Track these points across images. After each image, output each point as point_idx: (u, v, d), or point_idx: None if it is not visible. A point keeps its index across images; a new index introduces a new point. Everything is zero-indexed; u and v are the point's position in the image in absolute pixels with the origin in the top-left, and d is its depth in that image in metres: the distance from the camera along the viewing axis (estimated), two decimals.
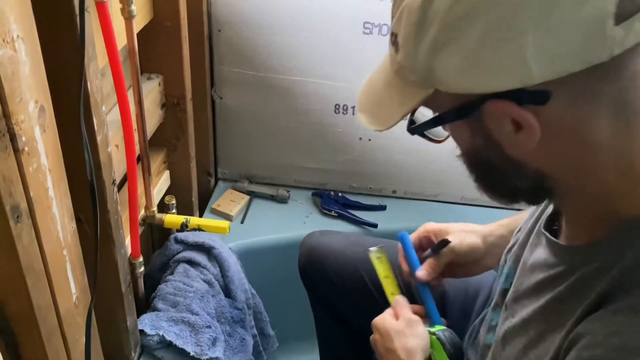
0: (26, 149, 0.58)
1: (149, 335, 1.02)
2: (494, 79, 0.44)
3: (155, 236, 1.31)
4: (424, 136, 0.56)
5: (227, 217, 1.37)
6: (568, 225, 0.58)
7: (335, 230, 1.15)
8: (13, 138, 0.56)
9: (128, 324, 0.94)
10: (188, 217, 1.10)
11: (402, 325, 0.76)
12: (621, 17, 0.41)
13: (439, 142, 0.58)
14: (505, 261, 0.71)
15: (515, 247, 0.69)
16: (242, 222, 1.38)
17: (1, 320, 0.64)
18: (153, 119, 1.13)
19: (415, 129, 0.53)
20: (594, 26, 0.41)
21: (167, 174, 1.22)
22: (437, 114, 0.51)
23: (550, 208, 0.62)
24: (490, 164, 0.52)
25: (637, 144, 0.47)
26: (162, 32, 1.08)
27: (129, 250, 1.02)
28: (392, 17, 0.49)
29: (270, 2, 1.24)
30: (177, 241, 1.21)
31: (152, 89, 1.11)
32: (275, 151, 1.43)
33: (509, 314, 0.63)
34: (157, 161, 1.19)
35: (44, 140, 0.62)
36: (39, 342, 0.66)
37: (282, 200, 1.44)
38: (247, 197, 1.42)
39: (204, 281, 1.18)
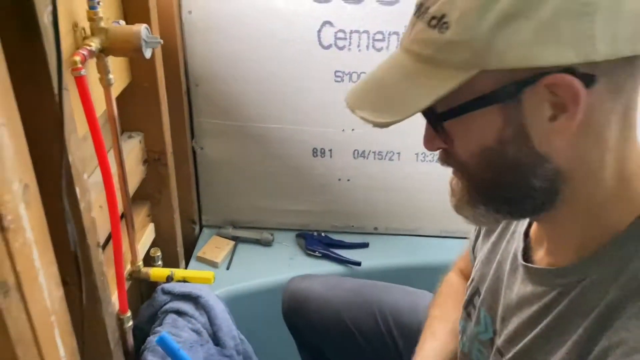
0: (12, 226, 0.61)
1: None
2: (561, 51, 0.44)
3: (143, 288, 1.34)
4: (439, 129, 0.53)
5: (212, 264, 1.40)
6: (552, 248, 0.58)
7: (318, 272, 1.19)
8: (0, 218, 0.59)
9: None
10: (173, 270, 1.13)
11: None
12: None
13: (444, 148, 0.56)
14: (469, 316, 0.73)
15: (482, 297, 0.69)
16: (227, 269, 1.40)
17: None
18: (136, 175, 1.16)
19: (441, 116, 0.51)
20: None
21: (151, 226, 1.25)
22: (470, 98, 0.48)
23: (512, 246, 0.64)
24: (510, 160, 0.51)
25: (629, 150, 0.50)
26: (140, 92, 1.12)
27: (117, 307, 1.05)
28: None
29: (242, 55, 1.30)
30: (164, 292, 1.23)
31: (133, 146, 1.15)
32: (257, 196, 1.47)
33: (505, 355, 0.62)
34: (141, 215, 1.22)
35: (29, 215, 0.65)
36: None
37: (267, 244, 1.47)
38: (232, 243, 1.45)
39: (193, 330, 1.20)
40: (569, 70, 0.45)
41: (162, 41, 0.91)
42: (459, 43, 0.47)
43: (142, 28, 0.88)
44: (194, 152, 1.42)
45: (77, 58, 0.80)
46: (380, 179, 1.43)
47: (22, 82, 0.67)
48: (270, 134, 1.39)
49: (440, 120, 0.51)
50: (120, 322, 1.07)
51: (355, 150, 1.40)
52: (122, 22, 0.97)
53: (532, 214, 0.57)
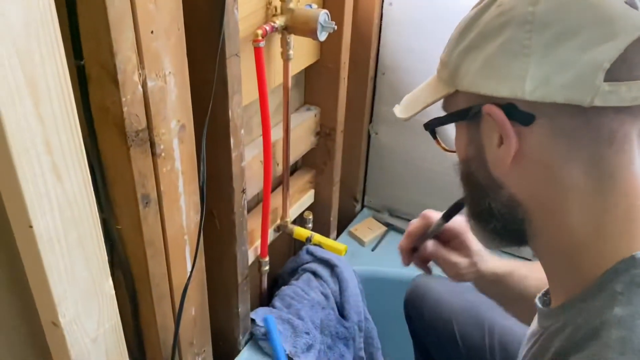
0: (163, 154, 0.78)
1: (258, 325, 1.18)
2: (498, 85, 0.50)
3: (296, 245, 1.49)
4: (436, 139, 0.64)
5: (360, 242, 1.48)
6: (550, 288, 0.59)
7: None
8: (152, 145, 0.76)
9: (240, 310, 1.12)
10: (313, 233, 1.24)
11: None
12: (611, 77, 0.47)
13: (447, 150, 0.65)
14: None
15: None
16: (372, 250, 1.47)
17: (128, 278, 0.85)
18: (305, 143, 1.30)
19: (429, 124, 0.61)
20: (587, 72, 0.47)
21: (311, 192, 1.39)
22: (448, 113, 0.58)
23: None
24: (475, 177, 0.57)
25: (608, 204, 0.50)
26: (324, 71, 1.24)
27: (259, 250, 1.21)
28: None
29: (433, 51, 1.31)
30: (308, 252, 1.36)
31: (308, 117, 1.28)
32: (418, 190, 1.50)
33: None
34: (304, 179, 1.36)
35: (180, 150, 0.81)
36: (151, 302, 0.86)
37: None
38: (384, 228, 1.51)
39: (322, 293, 1.31)
40: (509, 105, 0.50)
41: (336, 27, 1.00)
42: (444, 63, 0.57)
43: (321, 13, 0.98)
44: (369, 136, 1.50)
45: (259, 31, 0.94)
46: None
47: (200, 41, 0.82)
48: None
49: (428, 126, 0.62)
50: (260, 264, 1.23)
51: None
52: (315, 6, 1.08)
53: (508, 240, 0.59)
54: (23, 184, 0.58)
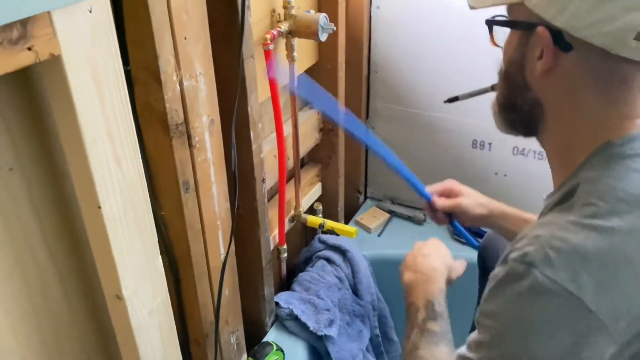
0: (198, 145, 0.89)
1: (282, 307, 1.28)
2: (556, 15, 0.62)
3: (308, 237, 1.59)
4: (491, 33, 0.73)
5: (367, 229, 1.59)
6: (553, 177, 0.73)
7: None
8: (189, 137, 0.87)
9: (265, 293, 1.22)
10: (325, 220, 1.35)
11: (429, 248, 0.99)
12: None
13: (496, 46, 0.74)
14: None
15: None
16: (378, 236, 1.58)
17: (171, 259, 0.95)
18: (310, 140, 1.41)
19: (491, 21, 0.72)
20: (623, 29, 0.59)
21: (319, 185, 1.50)
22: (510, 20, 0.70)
23: None
24: (512, 76, 0.71)
25: (605, 120, 0.65)
26: (324, 72, 1.36)
27: (277, 239, 1.31)
28: None
29: (421, 48, 1.45)
30: (320, 241, 1.47)
31: (311, 116, 1.40)
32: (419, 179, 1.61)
33: None
34: (311, 173, 1.47)
35: (211, 141, 0.92)
36: (192, 281, 0.96)
37: (418, 222, 1.61)
38: (387, 215, 1.63)
39: (336, 277, 1.41)
40: (557, 32, 0.63)
41: (335, 28, 1.12)
42: None
43: (320, 16, 1.10)
44: None
45: (268, 36, 1.05)
46: (539, 179, 1.46)
47: (221, 45, 0.94)
48: (436, 123, 1.52)
49: (489, 23, 0.72)
50: (278, 251, 1.33)
51: (515, 147, 1.46)
52: (312, 11, 1.21)
53: (521, 131, 0.75)
54: (93, 170, 0.69)
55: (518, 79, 0.70)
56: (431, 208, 1.10)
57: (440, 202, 1.09)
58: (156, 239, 0.82)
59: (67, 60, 0.62)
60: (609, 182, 0.62)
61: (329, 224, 1.34)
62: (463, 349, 0.67)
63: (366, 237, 1.58)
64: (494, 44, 0.75)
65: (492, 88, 0.80)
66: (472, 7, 0.71)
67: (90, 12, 0.64)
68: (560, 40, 0.63)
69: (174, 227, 0.91)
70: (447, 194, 1.10)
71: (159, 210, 0.90)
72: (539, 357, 0.58)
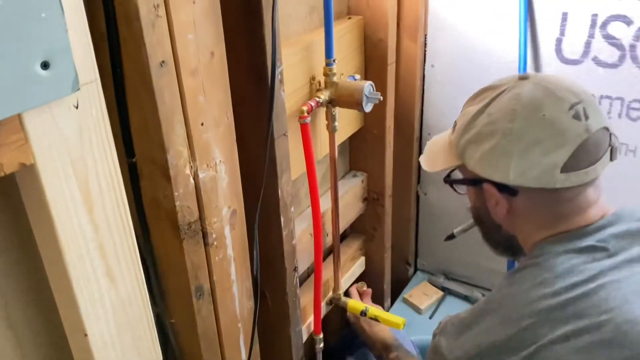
0: (215, 243, 0.76)
1: None
2: (492, 173, 0.76)
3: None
4: (453, 187, 0.87)
5: (416, 309, 1.42)
6: None
7: None
8: (205, 235, 0.74)
9: None
10: (368, 306, 1.19)
11: None
12: (566, 170, 0.73)
13: (460, 194, 0.88)
14: None
15: None
16: (430, 317, 1.40)
17: None
18: (353, 210, 1.27)
19: (448, 180, 0.87)
20: (549, 169, 0.73)
21: (362, 260, 1.34)
22: (462, 177, 0.84)
23: None
24: (483, 220, 0.85)
25: (557, 226, 0.77)
26: (369, 137, 1.22)
27: (312, 327, 1.16)
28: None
29: None
30: None
31: (356, 184, 1.25)
32: (473, 251, 1.43)
33: None
34: (353, 247, 1.32)
35: (232, 236, 0.79)
36: None
37: (475, 302, 1.41)
38: (440, 293, 1.45)
39: None
40: (500, 184, 0.76)
41: (381, 97, 0.99)
42: (455, 143, 0.82)
43: (365, 85, 0.97)
44: (418, 197, 1.46)
45: (305, 108, 0.93)
46: None
47: (249, 124, 0.81)
48: None
49: (446, 182, 0.88)
50: (313, 342, 1.18)
51: None
52: (358, 77, 1.07)
53: (509, 255, 0.92)
54: (77, 292, 0.57)
55: (488, 221, 0.83)
56: None
57: None
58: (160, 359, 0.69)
59: (44, 169, 0.50)
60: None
61: (373, 311, 1.18)
62: None
63: (415, 318, 1.40)
64: (459, 193, 0.87)
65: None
66: (429, 170, 0.88)
67: (77, 108, 0.52)
68: (505, 188, 0.77)
69: (185, 337, 0.78)
70: None
71: (168, 317, 0.77)
72: None
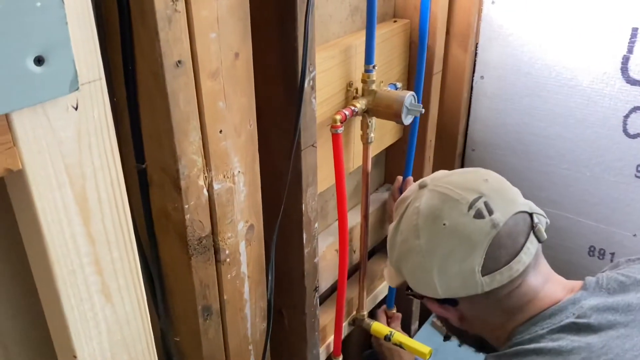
0: (228, 260, 0.70)
1: None
2: (423, 289, 0.77)
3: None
4: (415, 297, 0.85)
5: (445, 336, 1.32)
6: None
7: None
8: (217, 251, 0.68)
9: None
10: (394, 331, 1.11)
11: None
12: (487, 271, 0.71)
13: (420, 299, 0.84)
14: None
15: None
16: (459, 345, 1.31)
17: None
18: (385, 227, 1.19)
19: (408, 293, 0.83)
20: (469, 275, 0.71)
21: None
22: (411, 290, 0.82)
23: None
24: (449, 327, 0.85)
25: (513, 322, 0.74)
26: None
27: (332, 347, 1.09)
28: None
29: (529, 128, 1.19)
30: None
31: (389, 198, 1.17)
32: None
33: None
34: (382, 265, 1.24)
35: (247, 252, 0.73)
36: None
37: None
38: None
39: None
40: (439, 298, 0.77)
41: (423, 110, 0.90)
42: (390, 263, 0.83)
43: (407, 95, 0.89)
44: None
45: (338, 117, 0.85)
46: None
47: (274, 133, 0.75)
48: None
49: (407, 295, 0.85)
50: None
51: None
52: (400, 86, 1.00)
53: (484, 351, 0.84)
54: (67, 309, 0.51)
55: (452, 328, 0.83)
56: None
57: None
58: None
59: (33, 176, 0.45)
60: None
61: (398, 337, 1.10)
62: None
63: (444, 345, 1.31)
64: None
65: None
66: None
67: (76, 109, 0.47)
68: (444, 301, 0.76)
69: (189, 357, 0.72)
70: None
71: (173, 335, 0.72)
72: None
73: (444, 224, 0.72)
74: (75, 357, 0.54)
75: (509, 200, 0.73)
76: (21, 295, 0.58)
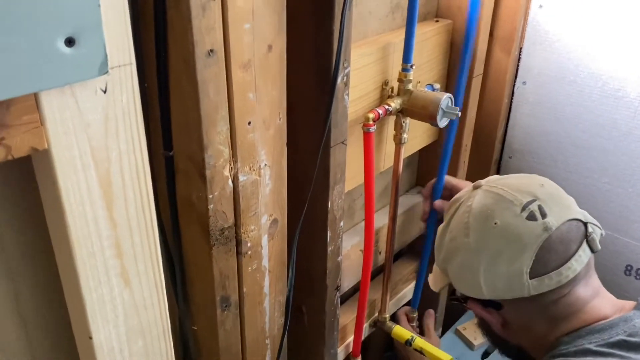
0: (249, 252, 0.69)
1: None
2: (467, 290, 0.76)
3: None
4: (459, 302, 0.83)
5: (469, 344, 1.30)
6: None
7: None
8: (239, 243, 0.67)
9: None
10: (415, 336, 1.09)
11: None
12: (534, 274, 0.69)
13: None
14: None
15: None
16: (483, 358, 1.28)
17: None
18: (413, 230, 1.17)
19: (452, 298, 0.85)
20: (516, 278, 0.69)
21: (414, 283, 1.24)
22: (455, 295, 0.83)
23: None
24: (489, 334, 0.83)
25: (560, 329, 0.72)
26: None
27: (351, 347, 1.08)
28: None
29: (572, 139, 1.15)
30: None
31: (420, 201, 1.15)
32: None
33: None
34: (408, 269, 1.22)
35: (270, 246, 0.72)
36: None
37: None
38: None
39: None
40: (484, 300, 0.75)
41: (459, 113, 0.88)
42: (437, 263, 0.83)
43: (444, 97, 0.86)
44: None
45: (371, 115, 0.84)
46: None
47: (304, 128, 0.74)
48: None
49: (452, 300, 0.85)
50: None
51: None
52: (438, 87, 0.97)
53: None
54: (85, 291, 0.52)
55: (493, 336, 0.81)
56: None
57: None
58: None
59: (59, 156, 0.45)
60: None
61: (419, 342, 1.08)
62: None
63: (466, 354, 1.28)
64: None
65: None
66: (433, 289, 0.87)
67: (105, 92, 0.47)
68: (488, 303, 0.75)
69: (206, 346, 0.72)
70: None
71: (191, 324, 0.72)
72: None
73: (495, 223, 0.71)
74: (90, 338, 0.54)
75: (563, 206, 0.71)
76: (44, 276, 0.59)
